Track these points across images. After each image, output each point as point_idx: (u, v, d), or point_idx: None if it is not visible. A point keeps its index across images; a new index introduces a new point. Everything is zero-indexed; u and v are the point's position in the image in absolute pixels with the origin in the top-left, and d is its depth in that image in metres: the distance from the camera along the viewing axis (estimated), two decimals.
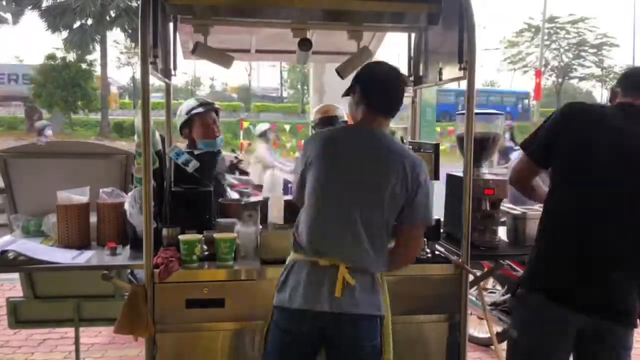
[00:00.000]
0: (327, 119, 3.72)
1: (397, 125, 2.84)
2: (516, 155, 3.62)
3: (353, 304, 1.95)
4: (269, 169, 5.94)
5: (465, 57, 2.42)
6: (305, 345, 2.01)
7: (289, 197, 2.57)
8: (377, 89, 2.09)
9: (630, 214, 1.99)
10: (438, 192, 2.79)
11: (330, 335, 1.98)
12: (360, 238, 1.97)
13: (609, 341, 2.04)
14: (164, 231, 2.52)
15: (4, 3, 27.64)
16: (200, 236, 2.40)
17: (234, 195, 3.30)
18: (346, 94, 2.17)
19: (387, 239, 2.06)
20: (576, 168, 2.04)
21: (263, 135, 7.49)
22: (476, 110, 2.48)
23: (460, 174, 2.53)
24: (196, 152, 2.77)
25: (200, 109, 3.20)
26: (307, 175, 2.06)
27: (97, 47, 27.80)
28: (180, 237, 2.39)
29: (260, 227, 2.51)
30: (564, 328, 2.04)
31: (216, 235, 2.40)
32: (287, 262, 2.06)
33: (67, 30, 26.66)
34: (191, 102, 3.30)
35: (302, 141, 2.17)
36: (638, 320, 2.06)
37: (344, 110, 3.86)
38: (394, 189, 1.99)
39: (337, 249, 1.97)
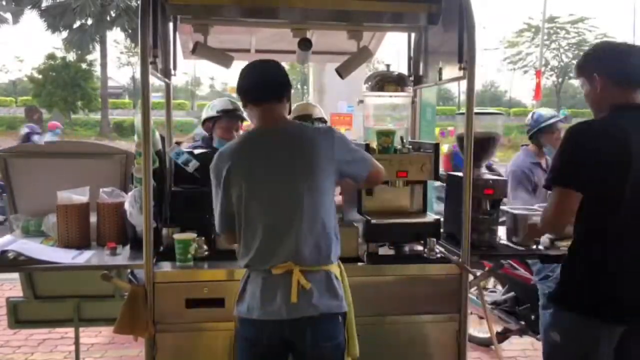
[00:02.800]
0: (301, 118, 3.71)
1: (397, 126, 2.84)
2: None
3: (310, 306, 1.92)
4: None
5: (465, 57, 2.42)
6: (270, 353, 1.99)
7: None
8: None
9: None
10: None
11: (292, 342, 1.96)
12: (307, 234, 1.95)
13: None
14: (164, 231, 2.53)
15: (4, 3, 27.63)
16: (194, 235, 2.40)
17: None
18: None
19: (335, 219, 2.04)
20: (606, 185, 1.95)
21: None
22: (476, 110, 2.48)
23: (460, 174, 2.54)
24: (196, 152, 2.78)
25: (231, 113, 3.41)
26: (230, 192, 2.01)
27: (97, 47, 27.81)
28: (175, 236, 2.40)
29: None
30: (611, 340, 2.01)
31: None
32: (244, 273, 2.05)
33: (67, 30, 26.66)
34: (227, 103, 3.49)
35: None
36: None
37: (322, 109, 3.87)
38: (320, 168, 1.98)
39: (287, 253, 1.94)
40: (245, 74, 2.10)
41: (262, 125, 2.08)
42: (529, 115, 3.85)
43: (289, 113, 2.19)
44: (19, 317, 3.06)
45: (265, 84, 2.08)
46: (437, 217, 2.71)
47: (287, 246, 1.94)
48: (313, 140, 2.01)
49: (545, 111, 3.82)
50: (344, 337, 2.04)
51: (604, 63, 2.05)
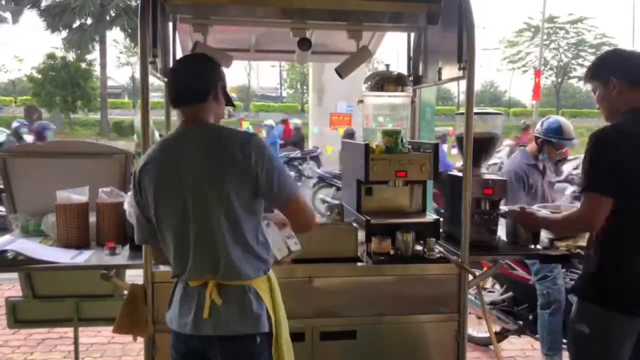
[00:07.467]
0: None
1: (397, 126, 2.84)
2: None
3: (222, 324, 1.81)
4: None
5: (464, 57, 2.42)
6: None
7: None
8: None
9: None
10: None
11: (209, 357, 1.87)
12: (225, 246, 1.81)
13: None
14: None
15: (4, 2, 27.59)
16: None
17: None
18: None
19: (255, 234, 1.87)
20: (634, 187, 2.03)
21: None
22: (475, 110, 2.48)
23: (460, 174, 2.54)
24: None
25: None
26: (148, 203, 1.87)
27: (97, 46, 27.81)
28: None
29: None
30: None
31: None
32: None
33: (67, 30, 26.64)
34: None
35: None
36: None
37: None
38: (236, 179, 1.80)
39: (204, 265, 1.83)
40: (169, 74, 1.98)
41: (180, 127, 1.91)
42: (545, 119, 3.76)
43: (227, 104, 2.00)
44: (18, 317, 3.07)
45: (184, 88, 1.91)
46: (436, 217, 2.71)
47: (204, 258, 1.83)
48: (230, 146, 1.81)
49: (565, 125, 3.65)
50: (269, 356, 1.87)
51: (621, 66, 2.12)
